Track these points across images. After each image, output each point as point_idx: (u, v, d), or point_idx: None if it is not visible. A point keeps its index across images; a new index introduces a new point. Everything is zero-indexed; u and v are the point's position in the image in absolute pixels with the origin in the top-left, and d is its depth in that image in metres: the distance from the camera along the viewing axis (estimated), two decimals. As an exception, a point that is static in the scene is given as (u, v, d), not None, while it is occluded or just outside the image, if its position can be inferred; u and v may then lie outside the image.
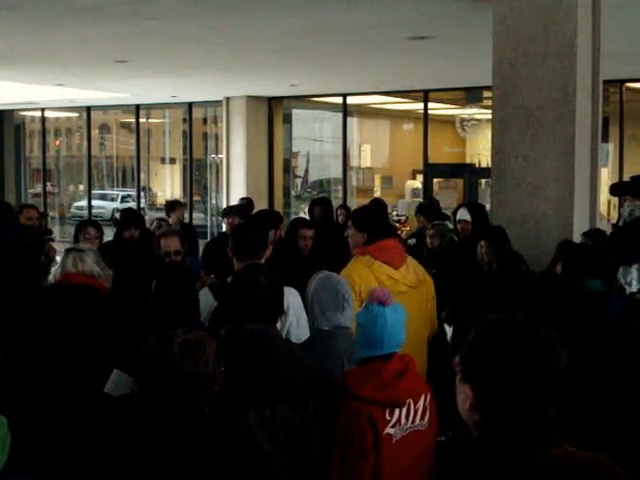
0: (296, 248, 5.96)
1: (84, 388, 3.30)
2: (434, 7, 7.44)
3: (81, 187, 21.25)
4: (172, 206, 9.20)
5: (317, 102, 16.84)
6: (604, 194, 9.32)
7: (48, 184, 20.52)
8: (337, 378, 3.19)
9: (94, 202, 19.75)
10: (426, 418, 3.14)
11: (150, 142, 19.67)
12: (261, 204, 13.77)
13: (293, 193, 18.02)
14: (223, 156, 16.37)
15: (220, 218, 12.67)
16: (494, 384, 1.74)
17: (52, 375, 3.42)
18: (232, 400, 2.78)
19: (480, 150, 15.18)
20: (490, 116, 6.38)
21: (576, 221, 5.86)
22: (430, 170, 14.66)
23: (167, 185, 21.00)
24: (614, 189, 7.32)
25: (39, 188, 20.63)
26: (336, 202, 11.92)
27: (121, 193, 21.38)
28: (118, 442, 2.44)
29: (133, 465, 2.38)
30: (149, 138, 19.60)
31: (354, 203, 14.89)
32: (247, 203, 9.85)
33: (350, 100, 15.47)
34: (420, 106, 14.82)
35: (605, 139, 11.55)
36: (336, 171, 16.59)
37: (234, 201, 13.11)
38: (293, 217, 10.99)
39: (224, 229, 9.09)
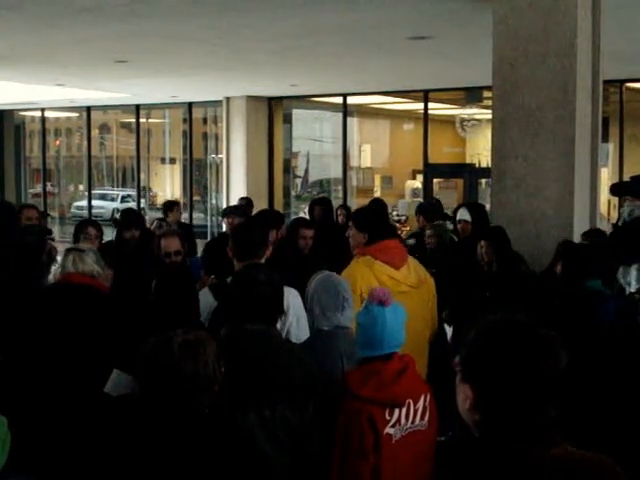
0: (296, 248, 5.96)
1: (84, 388, 3.30)
2: (434, 7, 7.44)
3: (81, 187, 21.25)
4: (170, 206, 9.20)
5: (317, 102, 16.84)
6: (604, 194, 9.33)
7: (48, 184, 20.53)
8: (337, 378, 3.19)
9: (94, 202, 19.75)
10: (426, 418, 3.14)
11: (150, 142, 19.67)
12: (261, 204, 13.77)
13: (293, 193, 18.02)
14: (223, 156, 16.37)
15: (220, 218, 12.67)
16: (494, 384, 1.74)
17: (52, 375, 3.42)
18: (232, 400, 2.78)
19: (480, 150, 15.18)
20: (490, 116, 6.38)
21: (576, 221, 5.86)
22: (430, 170, 14.66)
23: (167, 185, 21.00)
24: (614, 189, 7.33)
25: (39, 188, 20.63)
26: (336, 202, 11.91)
27: (121, 193, 21.39)
28: (118, 442, 2.44)
29: (133, 465, 2.38)
30: (149, 138, 19.61)
31: (354, 203, 14.89)
32: (246, 203, 9.85)
33: (350, 100, 15.47)
34: (420, 106, 14.82)
35: (605, 139, 11.55)
36: (336, 171, 16.59)
37: (234, 201, 13.10)
38: (293, 217, 10.99)
39: (224, 229, 9.09)
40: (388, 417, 3.00)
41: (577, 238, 5.61)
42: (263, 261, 4.14)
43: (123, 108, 19.15)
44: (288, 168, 17.52)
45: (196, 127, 18.62)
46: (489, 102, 8.17)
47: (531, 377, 1.72)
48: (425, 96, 14.51)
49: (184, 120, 18.40)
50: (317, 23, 8.27)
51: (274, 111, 16.27)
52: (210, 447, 2.41)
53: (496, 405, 1.75)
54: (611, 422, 3.34)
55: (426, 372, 4.37)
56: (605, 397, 3.42)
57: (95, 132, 20.10)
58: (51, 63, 11.24)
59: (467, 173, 14.40)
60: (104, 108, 19.29)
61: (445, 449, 3.19)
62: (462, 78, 12.36)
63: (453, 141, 16.86)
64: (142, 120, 18.41)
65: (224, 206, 13.96)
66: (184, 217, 16.61)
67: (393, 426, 3.02)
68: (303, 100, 16.81)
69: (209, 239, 14.41)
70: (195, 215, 18.00)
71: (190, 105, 17.24)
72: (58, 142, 22.27)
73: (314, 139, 19.01)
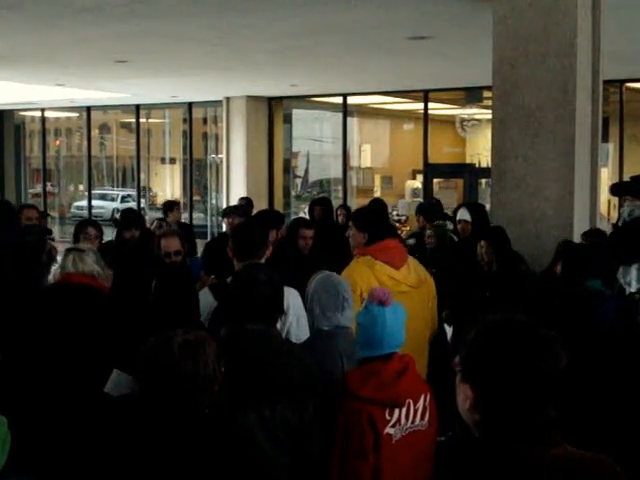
0: (296, 248, 5.96)
1: (84, 388, 3.30)
2: (434, 7, 7.44)
3: (81, 187, 21.25)
4: (170, 206, 9.19)
5: (317, 102, 16.84)
6: (604, 194, 9.33)
7: (48, 184, 20.53)
8: (337, 378, 3.19)
9: (94, 202, 19.75)
10: (426, 418, 3.14)
11: (150, 142, 19.67)
12: (261, 204, 13.78)
13: (293, 193, 18.02)
14: (223, 156, 16.38)
15: (220, 218, 12.67)
16: (494, 384, 1.74)
17: (52, 375, 3.42)
18: (232, 400, 2.78)
19: (480, 150, 15.18)
20: (490, 116, 6.38)
21: (576, 221, 5.86)
22: (430, 170, 14.66)
23: (167, 185, 21.00)
24: (614, 189, 7.33)
25: (39, 188, 20.64)
26: (336, 202, 11.91)
27: (121, 193, 21.38)
28: (118, 442, 2.44)
29: (133, 465, 2.38)
30: (149, 138, 19.61)
31: (354, 203, 14.89)
32: (246, 203, 9.85)
33: (350, 100, 15.48)
34: (420, 106, 14.82)
35: (605, 139, 11.55)
36: (336, 171, 16.59)
37: (234, 201, 13.10)
38: (293, 217, 10.99)
39: (224, 229, 9.09)
40: (388, 417, 3.00)
41: (577, 238, 5.61)
42: (263, 261, 4.14)
43: (123, 108, 19.15)
44: (288, 168, 17.52)
45: (196, 127, 18.62)
46: (489, 102, 8.17)
47: (531, 377, 1.72)
48: (425, 96, 14.51)
49: (184, 120, 18.40)
50: (317, 23, 8.27)
51: (274, 111, 16.27)
52: (210, 447, 2.41)
53: (496, 405, 1.75)
54: (611, 422, 3.34)
55: (426, 372, 4.36)
56: (605, 397, 3.42)
57: (95, 132, 20.10)
58: (51, 63, 11.24)
59: (467, 173, 14.40)
60: (104, 108, 19.29)
61: (445, 449, 3.19)
62: (462, 78, 12.36)
63: (453, 141, 16.85)
64: (142, 120, 18.41)
65: (224, 206, 13.95)
66: (184, 217, 16.65)
67: (393, 426, 3.02)
68: (303, 100, 16.81)
69: (209, 239, 14.41)
70: (195, 215, 18.00)
71: (190, 105, 17.24)
72: (58, 142, 22.27)
73: (314, 139, 19.01)
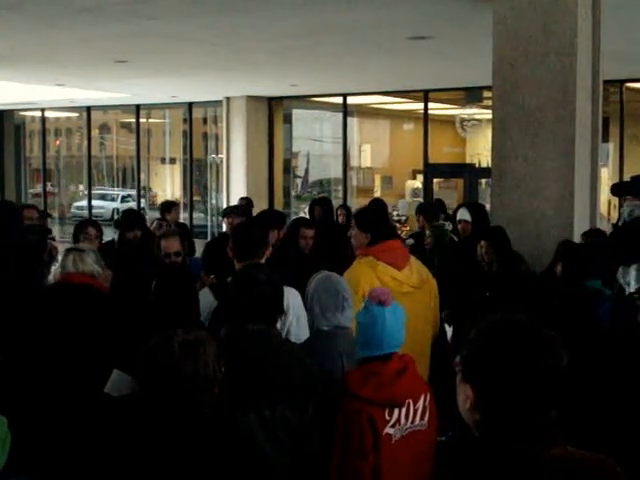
0: (297, 248, 5.95)
1: (84, 388, 3.30)
2: (434, 7, 7.44)
3: (81, 187, 21.25)
4: (168, 207, 9.19)
5: (317, 102, 16.84)
6: (604, 194, 9.34)
7: (48, 184, 20.53)
8: (337, 378, 3.19)
9: (94, 202, 19.75)
10: (426, 418, 3.14)
11: (150, 142, 19.66)
12: (261, 204, 13.78)
13: (293, 193, 18.02)
14: (223, 156, 16.38)
15: (220, 218, 12.67)
16: (494, 384, 1.74)
17: (52, 375, 3.42)
18: (232, 400, 2.78)
19: (480, 150, 15.18)
20: (490, 116, 6.38)
21: (576, 221, 5.86)
22: (430, 170, 14.66)
23: (167, 185, 20.99)
24: (614, 189, 7.33)
25: (39, 188, 20.64)
26: (336, 202, 11.92)
27: (121, 193, 21.38)
28: (118, 442, 2.44)
29: (133, 465, 2.38)
30: (149, 138, 19.60)
31: (354, 203, 14.89)
32: (247, 203, 9.86)
33: (350, 100, 15.48)
34: (420, 106, 14.82)
35: (605, 139, 11.56)
36: (336, 171, 16.59)
37: (234, 201, 13.11)
38: (293, 217, 11.00)
39: (224, 229, 9.10)
40: (388, 417, 3.00)
41: (577, 238, 5.61)
42: (263, 261, 4.14)
43: (123, 108, 19.15)
44: (288, 168, 17.52)
45: (196, 127, 18.62)
46: (489, 102, 8.17)
47: (531, 377, 1.72)
48: (425, 96, 14.51)
49: (184, 120, 18.40)
50: (317, 23, 8.27)
51: (274, 111, 16.27)
52: (210, 447, 2.41)
53: (496, 405, 1.75)
54: (611, 422, 3.34)
55: (428, 373, 4.35)
56: (605, 397, 3.42)
57: (95, 132, 20.09)
58: (51, 63, 11.24)
59: (467, 173, 14.40)
60: (104, 108, 19.29)
61: (445, 449, 3.19)
62: (462, 78, 12.36)
63: (453, 141, 16.86)
64: (142, 120, 18.41)
65: (224, 206, 13.95)
66: (185, 217, 16.67)
67: (393, 426, 3.02)
68: (303, 100, 16.81)
69: (209, 239, 14.42)
70: (195, 215, 18.00)
71: (190, 105, 17.24)
72: (58, 142, 22.27)
73: (314, 139, 19.01)
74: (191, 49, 9.86)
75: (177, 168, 19.73)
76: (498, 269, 5.30)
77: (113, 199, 21.31)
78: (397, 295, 3.62)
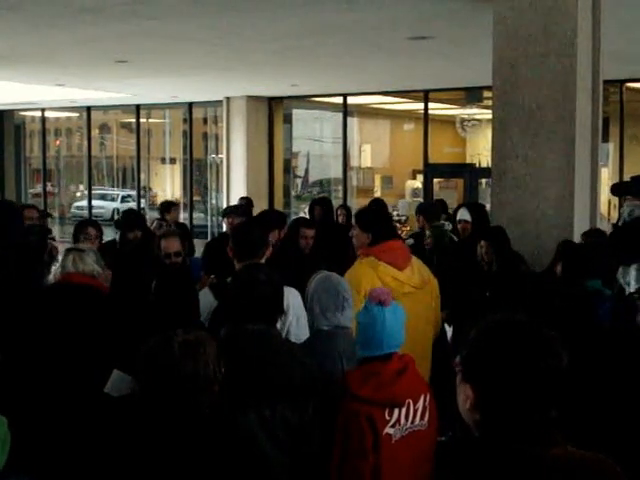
0: (297, 248, 5.96)
1: (84, 388, 3.30)
2: (434, 7, 7.44)
3: (81, 187, 21.25)
4: (167, 207, 9.19)
5: (317, 102, 16.84)
6: (604, 194, 9.34)
7: (48, 184, 20.53)
8: (337, 378, 3.19)
9: (94, 202, 19.75)
10: (426, 418, 3.14)
11: (150, 142, 19.66)
12: (261, 204, 13.78)
13: (293, 193, 18.02)
14: (223, 156, 16.38)
15: (220, 218, 12.67)
16: (495, 384, 1.74)
17: (52, 375, 3.42)
18: (232, 400, 2.78)
19: (480, 150, 15.19)
20: (490, 116, 6.38)
21: (576, 221, 5.86)
22: (430, 170, 14.67)
23: (167, 185, 20.99)
24: (614, 189, 7.32)
25: (39, 188, 20.64)
26: (336, 202, 11.92)
27: (121, 193, 21.39)
28: (118, 442, 2.44)
29: (133, 465, 2.38)
30: (149, 138, 19.60)
31: (354, 203, 14.89)
32: (247, 203, 9.86)
33: (350, 100, 15.48)
34: (420, 106, 14.83)
35: (605, 139, 11.56)
36: (336, 171, 16.59)
37: (234, 201, 13.11)
38: (293, 217, 11.01)
39: (224, 229, 9.09)
40: (388, 417, 3.00)
41: (577, 238, 5.61)
42: (263, 261, 4.14)
43: (123, 108, 19.15)
44: (288, 168, 17.52)
45: (196, 127, 18.62)
46: (489, 102, 8.17)
47: (532, 377, 1.72)
48: (425, 96, 14.51)
49: (184, 120, 18.40)
50: (317, 23, 8.27)
51: (274, 111, 16.27)
52: (210, 447, 2.41)
53: (496, 405, 1.75)
54: (611, 422, 3.34)
55: (429, 374, 4.35)
56: (605, 397, 3.42)
57: (95, 132, 20.10)
58: (51, 63, 11.24)
59: (467, 173, 14.40)
60: (104, 108, 19.29)
61: (445, 449, 3.18)
62: (462, 78, 12.36)
63: (453, 141, 16.86)
64: (142, 120, 18.41)
65: (224, 206, 13.95)
66: (185, 217, 16.67)
67: (393, 426, 3.02)
68: (303, 100, 16.81)
69: (209, 239, 14.42)
70: (195, 215, 18.00)
71: (190, 105, 17.24)
72: (58, 142, 22.27)
73: (314, 139, 19.01)
74: (191, 49, 9.86)
75: (177, 168, 19.73)
76: (498, 269, 5.30)
77: (113, 199, 21.31)
78: (398, 295, 3.63)
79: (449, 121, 16.33)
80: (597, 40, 6.01)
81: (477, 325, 1.82)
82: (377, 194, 17.02)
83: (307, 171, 18.89)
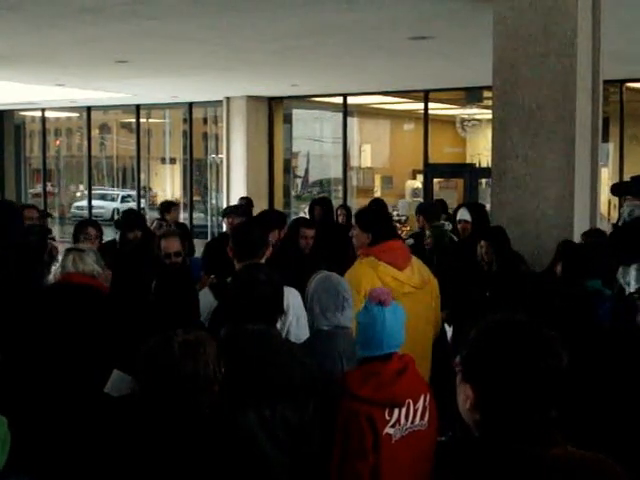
0: (297, 248, 5.96)
1: (84, 388, 3.30)
2: (434, 7, 7.44)
3: (81, 187, 21.25)
4: (167, 208, 9.19)
5: (317, 102, 16.84)
6: (604, 194, 9.34)
7: (48, 184, 20.53)
8: (337, 378, 3.19)
9: (94, 202, 19.75)
10: (426, 418, 3.14)
11: (150, 142, 19.66)
12: (261, 204, 13.78)
13: (293, 193, 18.02)
14: (223, 156, 16.38)
15: (220, 218, 12.67)
16: (495, 384, 1.74)
17: (52, 375, 3.42)
18: (232, 400, 2.78)
19: (480, 150, 15.19)
20: (490, 116, 6.38)
21: (576, 221, 5.86)
22: (430, 170, 14.67)
23: (167, 185, 21.00)
24: (614, 189, 7.32)
25: (39, 188, 20.64)
26: (336, 202, 11.92)
27: (121, 193, 21.39)
28: (118, 442, 2.44)
29: (133, 465, 2.38)
30: (149, 138, 19.60)
31: (354, 203, 14.89)
32: (247, 203, 9.86)
33: (350, 100, 15.48)
34: (420, 106, 14.83)
35: (605, 139, 11.56)
36: (336, 171, 16.59)
37: (234, 201, 13.11)
38: (293, 217, 11.01)
39: (224, 229, 9.09)
40: (388, 417, 3.00)
41: (577, 238, 5.61)
42: (263, 261, 4.14)
43: (123, 108, 19.15)
44: (288, 168, 17.52)
45: (196, 127, 18.62)
46: (489, 102, 8.17)
47: (532, 377, 1.72)
48: (425, 96, 14.51)
49: (184, 120, 18.40)
50: (317, 23, 8.27)
51: (274, 111, 16.27)
52: (210, 447, 2.41)
53: (496, 405, 1.75)
54: (611, 422, 3.34)
55: (429, 374, 4.35)
56: (605, 397, 3.42)
57: (95, 132, 20.10)
58: (51, 63, 11.24)
59: (467, 173, 14.40)
60: (104, 108, 19.29)
61: (445, 449, 3.18)
62: (462, 78, 12.36)
63: (453, 141, 16.86)
64: (142, 120, 18.42)
65: (224, 206, 13.95)
66: (185, 217, 16.67)
67: (393, 426, 3.02)
68: (303, 100, 16.81)
69: (209, 239, 14.42)
70: (195, 215, 18.00)
71: (190, 105, 17.24)
72: (58, 142, 22.27)
73: (314, 139, 19.01)
74: (191, 49, 9.86)
75: (177, 168, 19.73)
76: (498, 269, 5.30)
77: (113, 199, 21.32)
78: (398, 295, 3.63)
79: (449, 121, 16.33)
80: (597, 40, 6.01)
81: (477, 325, 1.82)
82: (377, 194, 17.02)
83: (307, 171, 18.89)
